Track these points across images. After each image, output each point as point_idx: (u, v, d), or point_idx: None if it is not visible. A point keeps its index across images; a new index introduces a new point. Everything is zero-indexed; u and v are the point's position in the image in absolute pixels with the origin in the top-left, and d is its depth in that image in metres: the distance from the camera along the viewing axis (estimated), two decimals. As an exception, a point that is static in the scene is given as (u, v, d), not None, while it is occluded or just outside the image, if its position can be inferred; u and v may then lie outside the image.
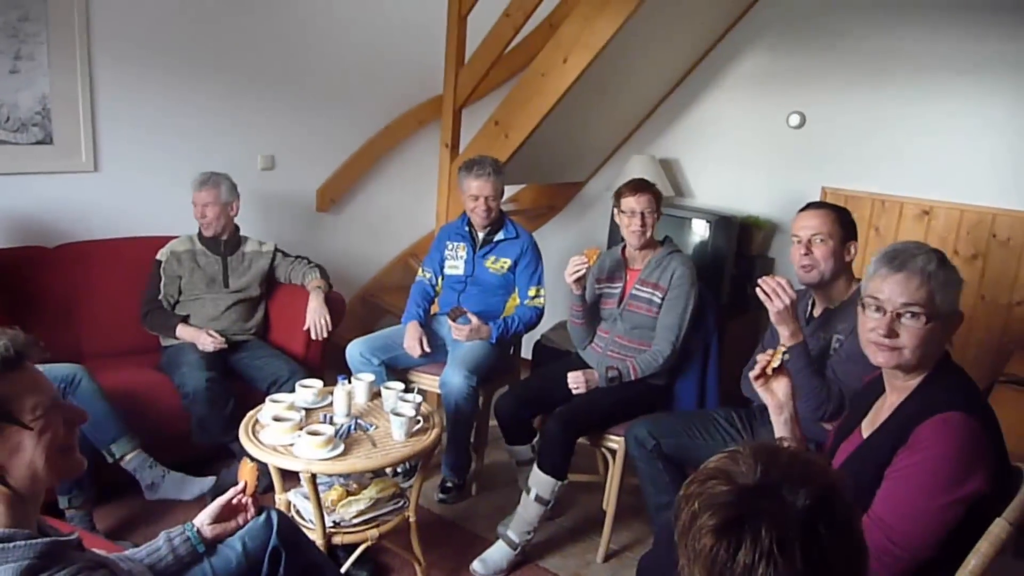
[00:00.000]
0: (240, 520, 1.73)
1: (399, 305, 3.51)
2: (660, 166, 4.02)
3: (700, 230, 3.65)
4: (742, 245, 3.72)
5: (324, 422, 2.40)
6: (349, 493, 2.37)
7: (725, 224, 3.58)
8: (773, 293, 2.12)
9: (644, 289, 2.79)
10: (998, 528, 1.36)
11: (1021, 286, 3.22)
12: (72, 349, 3.03)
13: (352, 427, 2.41)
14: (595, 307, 2.93)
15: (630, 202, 2.75)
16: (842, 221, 2.28)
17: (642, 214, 2.74)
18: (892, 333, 1.53)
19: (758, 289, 2.15)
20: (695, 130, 4.06)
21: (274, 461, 2.24)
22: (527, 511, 2.66)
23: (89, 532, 2.44)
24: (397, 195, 4.48)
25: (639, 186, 2.78)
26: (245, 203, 3.34)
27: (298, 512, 2.37)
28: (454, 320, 3.07)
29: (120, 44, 3.28)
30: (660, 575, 1.63)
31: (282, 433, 2.30)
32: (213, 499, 1.77)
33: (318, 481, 2.30)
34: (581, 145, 4.21)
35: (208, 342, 3.01)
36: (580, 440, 2.70)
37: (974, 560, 1.34)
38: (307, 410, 2.49)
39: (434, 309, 3.37)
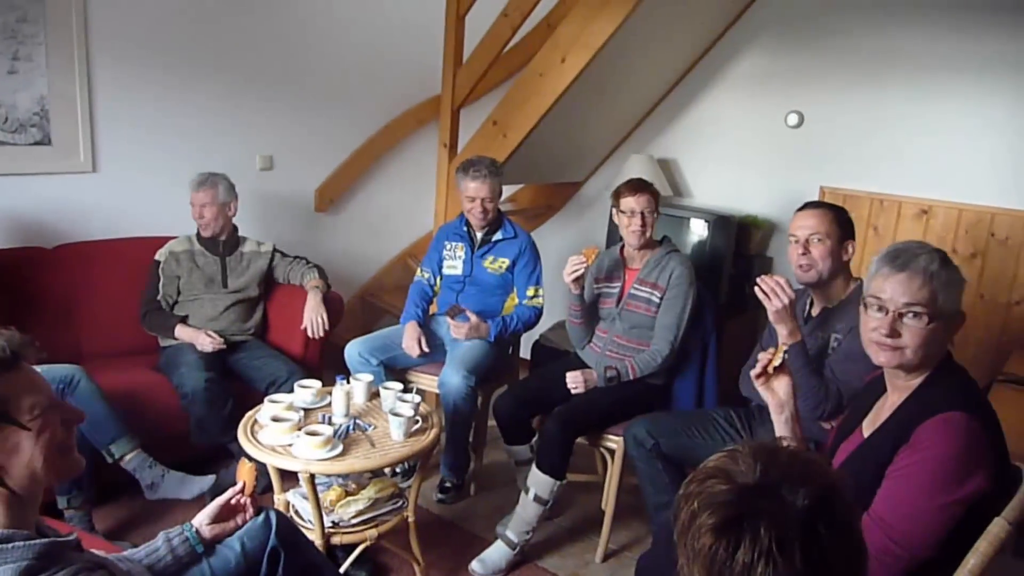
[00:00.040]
0: (239, 520, 1.73)
1: (398, 305, 3.51)
2: (658, 166, 4.02)
3: (698, 230, 3.65)
4: (740, 245, 3.72)
5: (323, 422, 2.40)
6: (348, 493, 2.37)
7: (723, 224, 3.58)
8: (772, 292, 2.12)
9: (642, 289, 2.79)
10: (997, 527, 1.36)
11: (1020, 285, 3.22)
12: (71, 350, 3.02)
13: (351, 427, 2.41)
14: (593, 307, 2.93)
15: (630, 202, 2.75)
16: (839, 220, 2.29)
17: (642, 214, 2.74)
18: (894, 333, 1.53)
19: (757, 288, 2.15)
20: (693, 130, 4.07)
21: (273, 461, 2.23)
22: (526, 511, 2.66)
23: (88, 533, 2.44)
24: (396, 195, 4.48)
25: (638, 186, 2.78)
26: (244, 203, 3.34)
27: (297, 512, 2.37)
28: (453, 318, 3.07)
29: (118, 44, 3.28)
30: (659, 574, 1.63)
31: (281, 433, 2.30)
32: (212, 499, 1.77)
33: (317, 481, 2.30)
34: (579, 145, 4.22)
35: (207, 342, 3.00)
36: (579, 440, 2.70)
37: (973, 559, 1.34)
38: (306, 410, 2.49)
39: (433, 309, 3.37)
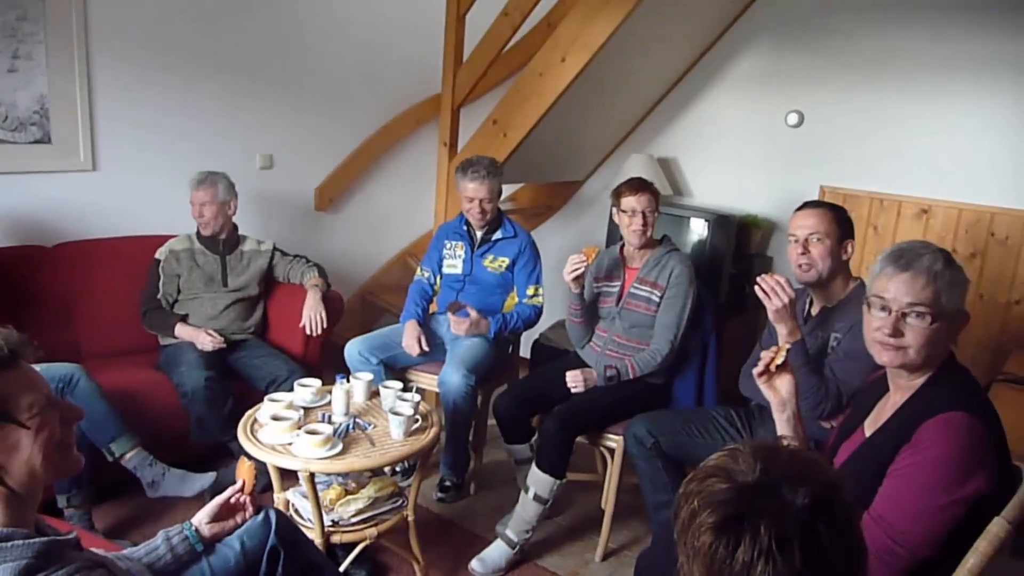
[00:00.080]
0: (238, 519, 1.72)
1: (398, 304, 3.51)
2: (659, 165, 4.02)
3: (698, 229, 3.65)
4: (740, 244, 3.72)
5: (322, 421, 2.40)
6: (347, 492, 2.37)
7: (723, 223, 3.58)
8: (772, 291, 2.12)
9: (642, 288, 2.79)
10: (997, 527, 1.36)
11: (1019, 285, 3.22)
12: (71, 348, 3.02)
13: (350, 426, 2.41)
14: (593, 306, 2.93)
15: (631, 201, 2.75)
16: (839, 220, 2.29)
17: (643, 213, 2.74)
18: (897, 332, 1.53)
19: (757, 287, 2.15)
20: (693, 129, 4.07)
21: (273, 460, 2.23)
22: (526, 510, 2.66)
23: (88, 531, 2.44)
24: (396, 194, 4.48)
25: (639, 185, 2.78)
26: (244, 202, 3.34)
27: (296, 511, 2.37)
28: (454, 313, 3.07)
29: (118, 44, 3.28)
30: (658, 573, 1.63)
31: (280, 432, 2.30)
32: (212, 497, 1.77)
33: (316, 480, 2.30)
34: (579, 144, 4.22)
35: (207, 341, 3.00)
36: (579, 439, 2.70)
37: (973, 559, 1.34)
38: (305, 409, 2.49)
39: (433, 308, 3.37)
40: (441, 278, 3.29)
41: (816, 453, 1.06)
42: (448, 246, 3.25)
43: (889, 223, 3.50)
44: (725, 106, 3.94)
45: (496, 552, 2.66)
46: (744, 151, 3.89)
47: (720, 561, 0.88)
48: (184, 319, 3.12)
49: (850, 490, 0.94)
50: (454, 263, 3.23)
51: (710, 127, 4.00)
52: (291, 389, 2.61)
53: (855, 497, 0.95)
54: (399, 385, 2.58)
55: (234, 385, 2.98)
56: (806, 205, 2.35)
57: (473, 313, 3.05)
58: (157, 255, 3.20)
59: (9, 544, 1.08)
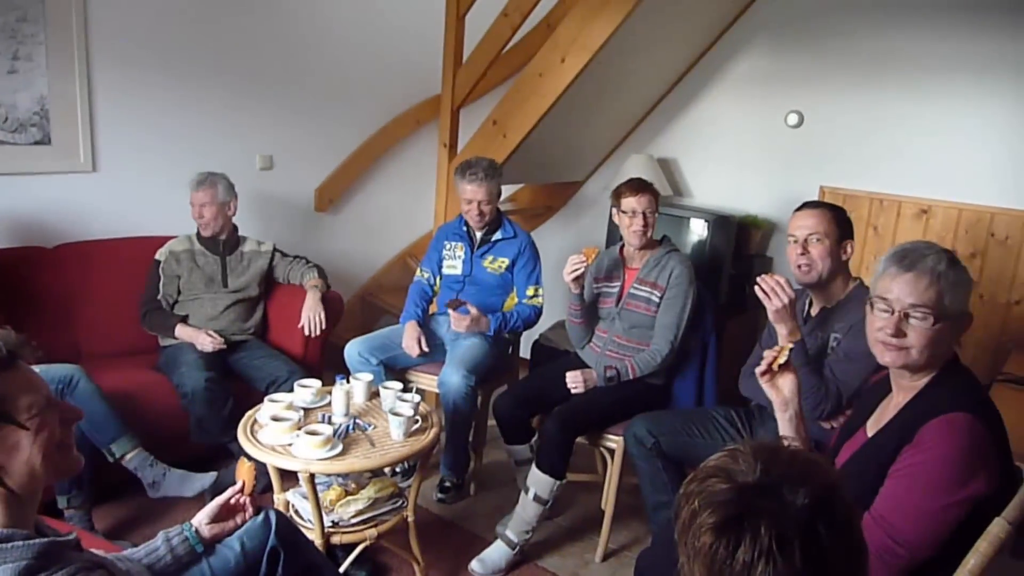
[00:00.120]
0: (238, 520, 1.72)
1: (397, 305, 3.51)
2: (658, 165, 4.02)
3: (698, 229, 3.65)
4: (740, 244, 3.73)
5: (322, 422, 2.40)
6: (348, 493, 2.37)
7: (723, 223, 3.58)
8: (771, 291, 2.12)
9: (642, 288, 2.79)
10: (997, 527, 1.35)
11: (1019, 285, 3.22)
12: (71, 349, 3.03)
13: (350, 427, 2.41)
14: (593, 306, 2.93)
15: (631, 202, 2.75)
16: (838, 220, 2.28)
17: (644, 214, 2.74)
18: (899, 333, 1.52)
19: (757, 287, 2.15)
20: (693, 129, 4.07)
21: (272, 461, 2.23)
22: (526, 511, 2.66)
23: (88, 532, 2.44)
24: (395, 195, 4.48)
25: (639, 186, 2.77)
26: (243, 203, 3.34)
27: (296, 512, 2.37)
28: (454, 310, 3.07)
29: (118, 45, 3.28)
30: (658, 573, 1.63)
31: (280, 433, 2.30)
32: (212, 497, 1.77)
33: (316, 481, 2.30)
34: (579, 145, 4.21)
35: (207, 342, 3.00)
36: (579, 440, 2.70)
37: (973, 559, 1.34)
38: (305, 410, 2.49)
39: (432, 309, 3.37)
40: (441, 279, 3.29)
41: (817, 454, 1.06)
42: (448, 247, 3.25)
43: (889, 223, 3.50)
44: (725, 106, 3.94)
45: (496, 553, 2.66)
46: (744, 151, 3.89)
47: (720, 561, 0.88)
48: (184, 320, 3.12)
49: (850, 490, 0.94)
50: (454, 264, 3.23)
51: (710, 127, 4.00)
52: (291, 390, 2.61)
53: (856, 497, 0.95)
54: (399, 386, 2.58)
55: (234, 386, 2.98)
56: (805, 205, 2.35)
57: (473, 310, 3.05)
58: (157, 256, 3.20)
59: (9, 545, 1.08)
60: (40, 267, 3.06)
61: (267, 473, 2.33)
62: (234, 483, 1.77)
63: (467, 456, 3.15)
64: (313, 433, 2.23)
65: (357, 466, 2.24)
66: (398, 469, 3.01)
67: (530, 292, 3.16)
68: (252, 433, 2.35)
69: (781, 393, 1.76)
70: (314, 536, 2.24)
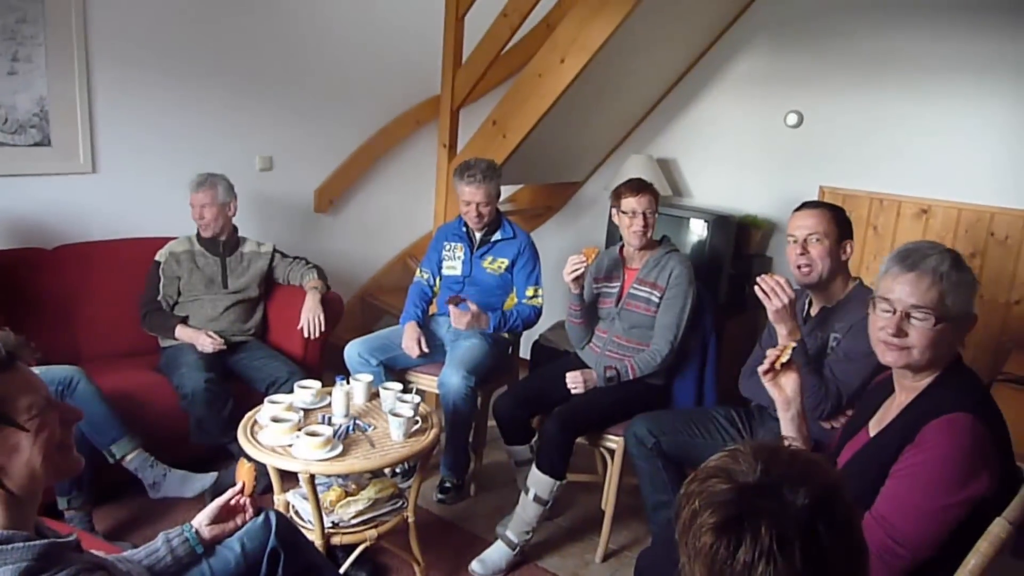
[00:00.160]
0: (238, 521, 1.73)
1: (397, 305, 3.51)
2: (658, 166, 4.02)
3: (698, 229, 3.65)
4: (740, 244, 3.72)
5: (322, 423, 2.39)
6: (348, 494, 2.37)
7: (723, 223, 3.58)
8: (771, 291, 2.12)
9: (642, 288, 2.79)
10: (998, 527, 1.35)
11: (1019, 285, 3.22)
12: (70, 350, 3.02)
13: (350, 428, 2.40)
14: (593, 306, 2.93)
15: (631, 202, 2.75)
16: (837, 220, 2.28)
17: (644, 214, 2.74)
18: (901, 333, 1.52)
19: (756, 287, 2.15)
20: (693, 130, 4.07)
21: (272, 462, 2.23)
22: (526, 511, 2.66)
23: (88, 533, 2.43)
24: (395, 195, 4.48)
25: (639, 186, 2.77)
26: (243, 204, 3.34)
27: (297, 513, 2.37)
28: (455, 306, 3.06)
29: (118, 46, 3.28)
30: (658, 574, 1.63)
31: (280, 434, 2.29)
32: (212, 498, 1.77)
33: (317, 482, 2.30)
34: (579, 145, 4.22)
35: (207, 343, 3.00)
36: (579, 440, 2.70)
37: (974, 559, 1.34)
38: (305, 411, 2.49)
39: (432, 310, 3.37)
40: (440, 279, 3.29)
41: (817, 454, 1.06)
42: (447, 247, 3.25)
43: (889, 223, 3.50)
44: (725, 106, 3.94)
45: (496, 553, 2.66)
46: (743, 152, 3.89)
47: (721, 562, 0.88)
48: (184, 321, 3.12)
49: (850, 491, 0.94)
50: (453, 264, 3.23)
51: (710, 127, 4.00)
52: (291, 391, 2.61)
53: (858, 497, 0.95)
54: (399, 386, 2.58)
55: (234, 387, 2.98)
56: (805, 205, 2.35)
57: (473, 306, 3.04)
58: (157, 257, 3.20)
59: (9, 547, 1.08)
60: (40, 268, 3.06)
61: (267, 474, 2.33)
62: (234, 484, 1.77)
63: (467, 457, 3.15)
64: (313, 434, 2.22)
65: (357, 467, 2.24)
66: (398, 470, 3.01)
67: (530, 292, 3.16)
68: (252, 434, 2.34)
69: (784, 392, 1.76)
70: (314, 537, 2.24)
